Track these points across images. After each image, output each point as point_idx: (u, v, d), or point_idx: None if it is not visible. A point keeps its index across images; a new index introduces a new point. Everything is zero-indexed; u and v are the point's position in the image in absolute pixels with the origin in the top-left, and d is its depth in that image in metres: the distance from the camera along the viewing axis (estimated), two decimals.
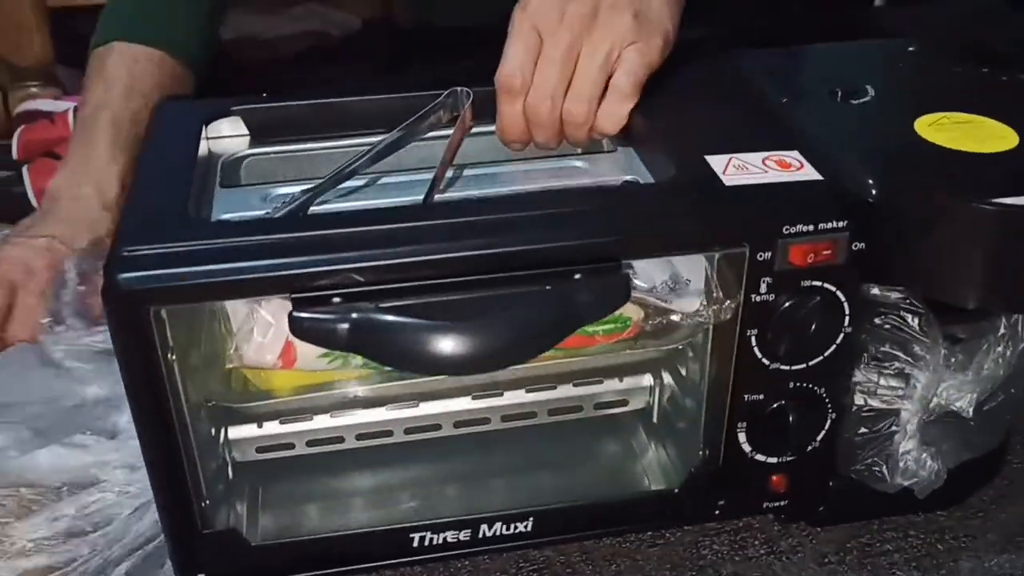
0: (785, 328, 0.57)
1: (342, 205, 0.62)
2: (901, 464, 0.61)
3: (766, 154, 0.59)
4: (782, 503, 0.64)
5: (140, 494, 0.60)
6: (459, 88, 0.65)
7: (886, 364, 0.61)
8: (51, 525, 0.60)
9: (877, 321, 0.61)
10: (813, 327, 0.57)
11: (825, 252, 0.55)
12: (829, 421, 0.61)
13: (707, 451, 0.62)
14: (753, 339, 0.58)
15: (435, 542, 0.61)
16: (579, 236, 0.54)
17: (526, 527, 0.62)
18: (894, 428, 0.61)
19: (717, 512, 0.64)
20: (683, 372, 0.65)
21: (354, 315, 0.51)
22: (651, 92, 0.65)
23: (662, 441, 0.69)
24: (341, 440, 0.66)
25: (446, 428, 0.67)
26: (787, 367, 0.59)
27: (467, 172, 0.65)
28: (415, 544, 0.61)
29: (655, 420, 0.70)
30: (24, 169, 0.98)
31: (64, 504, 0.61)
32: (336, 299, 0.51)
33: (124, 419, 0.61)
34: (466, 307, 0.52)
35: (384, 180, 0.64)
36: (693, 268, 0.60)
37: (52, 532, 0.60)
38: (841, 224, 0.55)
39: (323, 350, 0.57)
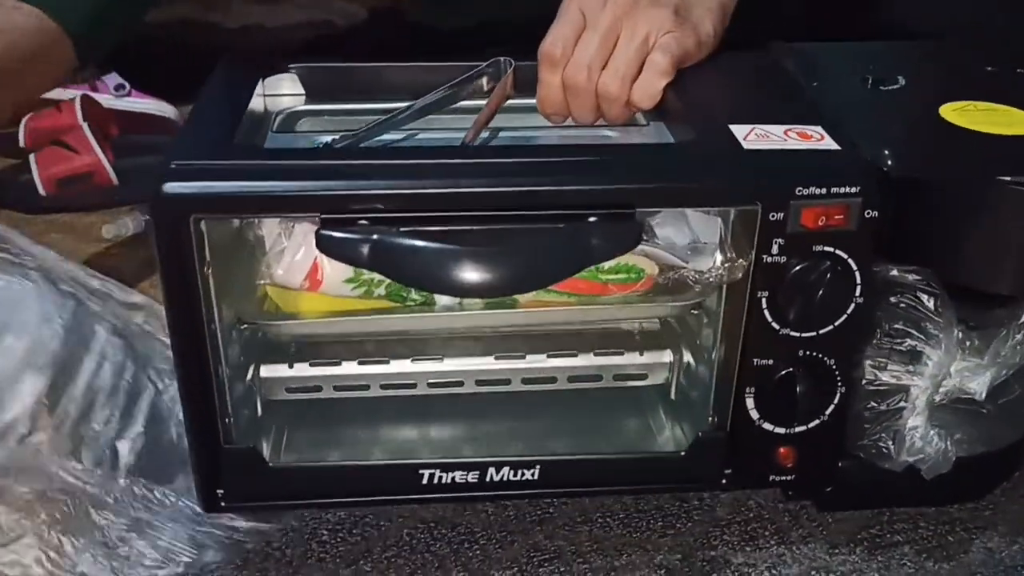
0: (796, 292, 0.58)
1: None
2: (908, 440, 0.61)
3: (789, 126, 0.61)
4: (790, 477, 0.65)
5: None
6: (502, 57, 0.68)
7: (899, 341, 0.61)
8: None
9: (892, 300, 0.61)
10: (823, 293, 0.58)
11: (837, 217, 0.57)
12: (838, 394, 0.62)
13: (716, 417, 0.63)
14: (764, 301, 0.59)
15: (443, 481, 0.63)
16: (596, 183, 0.56)
17: (533, 475, 0.63)
18: (903, 404, 0.61)
19: (724, 481, 0.65)
20: (698, 343, 0.67)
21: (376, 236, 0.54)
22: (686, 76, 0.68)
23: (678, 416, 0.70)
24: (367, 388, 0.69)
25: (468, 385, 0.69)
26: (797, 334, 0.60)
27: (503, 134, 0.68)
28: (424, 481, 0.63)
29: (673, 397, 0.71)
30: (31, 157, 1.01)
31: None
32: (362, 222, 0.54)
33: None
34: (482, 236, 0.54)
35: (422, 136, 0.68)
36: (709, 231, 0.62)
37: None
38: (854, 190, 0.56)
39: (347, 275, 0.61)
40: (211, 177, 0.55)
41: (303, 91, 0.72)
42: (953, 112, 0.62)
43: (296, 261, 0.59)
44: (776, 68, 0.71)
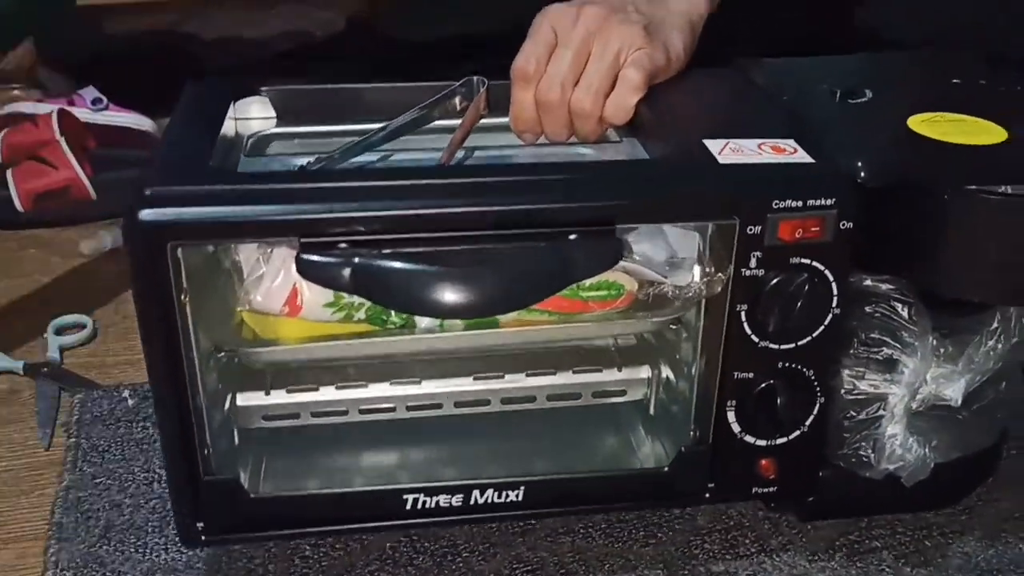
0: (774, 304, 0.59)
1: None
2: (887, 448, 0.62)
3: (762, 140, 0.62)
4: (772, 489, 0.65)
5: None
6: (475, 77, 0.68)
7: (875, 350, 0.62)
8: None
9: (868, 309, 0.62)
10: (801, 305, 0.59)
11: (813, 229, 0.58)
12: (818, 404, 0.62)
13: (697, 431, 0.63)
14: (743, 314, 0.60)
15: (428, 505, 0.62)
16: (575, 200, 0.57)
17: (517, 496, 0.63)
18: (881, 412, 0.62)
19: (707, 495, 0.65)
20: (678, 358, 0.67)
21: (357, 259, 0.54)
22: (657, 92, 0.68)
23: (658, 432, 0.70)
24: (345, 413, 0.68)
25: (447, 407, 0.69)
26: (776, 346, 0.61)
27: (478, 153, 0.68)
28: (408, 507, 0.62)
29: (652, 412, 0.71)
30: (8, 172, 1.00)
31: None
32: (342, 245, 0.54)
33: None
34: (463, 257, 0.54)
35: (397, 156, 0.67)
36: (687, 246, 0.62)
37: None
38: (830, 201, 0.57)
39: (327, 300, 0.60)
40: (188, 203, 0.54)
41: (274, 114, 0.72)
42: (922, 123, 0.63)
43: (275, 287, 0.59)
44: (746, 83, 0.71)
